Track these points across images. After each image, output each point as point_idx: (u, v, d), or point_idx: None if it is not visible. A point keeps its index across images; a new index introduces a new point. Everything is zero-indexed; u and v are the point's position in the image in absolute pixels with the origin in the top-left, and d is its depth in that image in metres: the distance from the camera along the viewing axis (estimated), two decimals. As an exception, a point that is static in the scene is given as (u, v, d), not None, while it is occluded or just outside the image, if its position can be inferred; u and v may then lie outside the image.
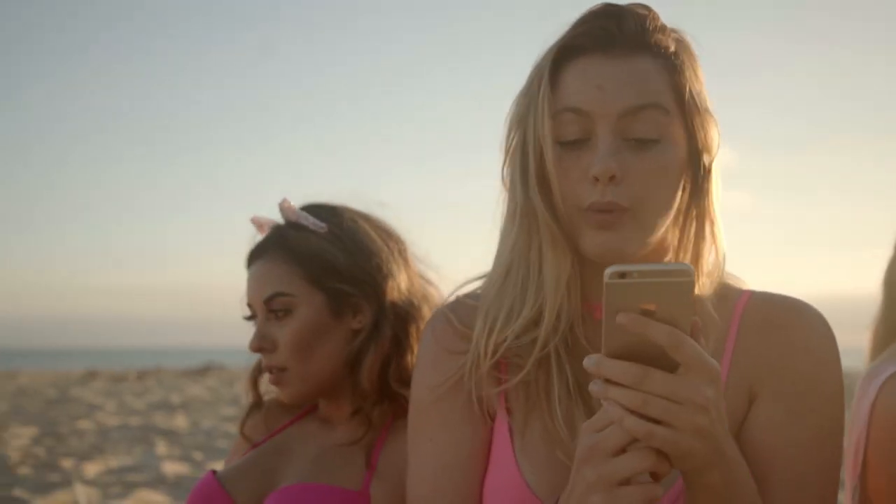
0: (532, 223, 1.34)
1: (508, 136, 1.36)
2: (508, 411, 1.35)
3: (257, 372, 1.83)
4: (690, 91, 1.31)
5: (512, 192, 1.35)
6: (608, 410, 1.07)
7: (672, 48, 1.32)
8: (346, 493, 1.62)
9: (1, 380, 28.68)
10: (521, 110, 1.33)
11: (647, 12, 1.34)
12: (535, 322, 1.33)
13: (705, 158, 1.32)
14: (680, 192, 1.32)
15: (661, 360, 1.04)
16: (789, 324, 1.34)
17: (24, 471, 9.03)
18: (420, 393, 1.43)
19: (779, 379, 1.32)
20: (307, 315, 1.69)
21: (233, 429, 12.70)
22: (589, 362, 1.08)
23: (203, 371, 32.77)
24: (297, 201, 1.81)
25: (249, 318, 1.76)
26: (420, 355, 1.46)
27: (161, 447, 10.79)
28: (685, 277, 1.02)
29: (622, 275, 1.02)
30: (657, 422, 1.05)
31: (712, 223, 1.35)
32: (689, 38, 1.37)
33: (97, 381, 27.66)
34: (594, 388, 1.08)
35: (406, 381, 1.69)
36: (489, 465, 1.36)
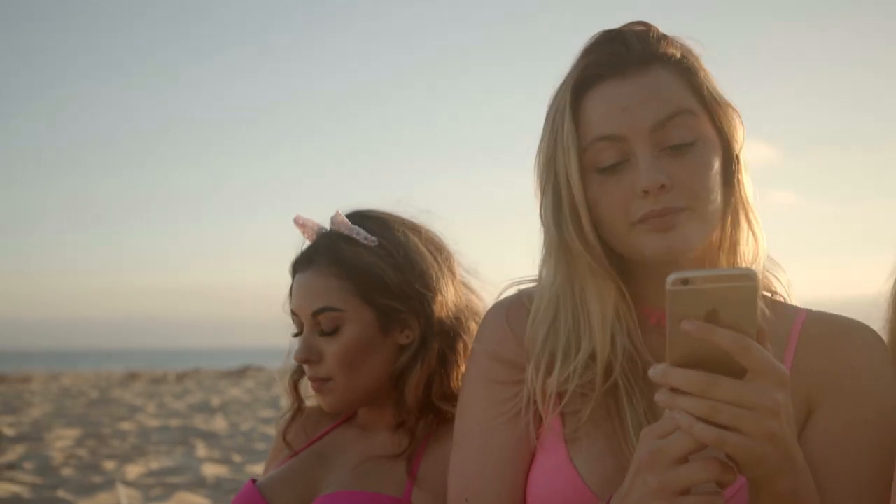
0: (570, 259, 1.38)
1: (540, 178, 1.40)
2: (562, 418, 1.38)
3: (298, 376, 1.83)
4: (707, 88, 1.36)
5: (547, 229, 1.40)
6: (675, 418, 1.07)
7: (678, 54, 1.38)
8: (389, 500, 1.63)
9: (45, 381, 29.04)
10: (549, 152, 1.37)
11: (645, 28, 1.40)
12: (593, 357, 1.36)
13: (735, 147, 1.38)
14: (720, 184, 1.36)
15: (729, 366, 1.04)
16: (847, 343, 1.39)
17: (68, 472, 9.18)
18: (469, 393, 1.46)
19: (837, 394, 1.36)
20: (356, 331, 1.70)
21: (271, 431, 12.79)
22: (654, 372, 1.08)
23: (241, 372, 32.93)
24: (338, 205, 1.79)
25: (297, 335, 1.75)
26: (473, 356, 1.49)
27: (201, 449, 10.91)
28: (749, 282, 1.01)
29: (685, 281, 1.01)
30: (727, 428, 1.05)
31: (746, 211, 1.40)
32: (689, 42, 1.42)
33: (138, 383, 27.94)
34: (660, 397, 1.08)
35: (449, 397, 1.70)
36: (535, 467, 1.39)
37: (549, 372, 1.39)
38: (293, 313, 1.74)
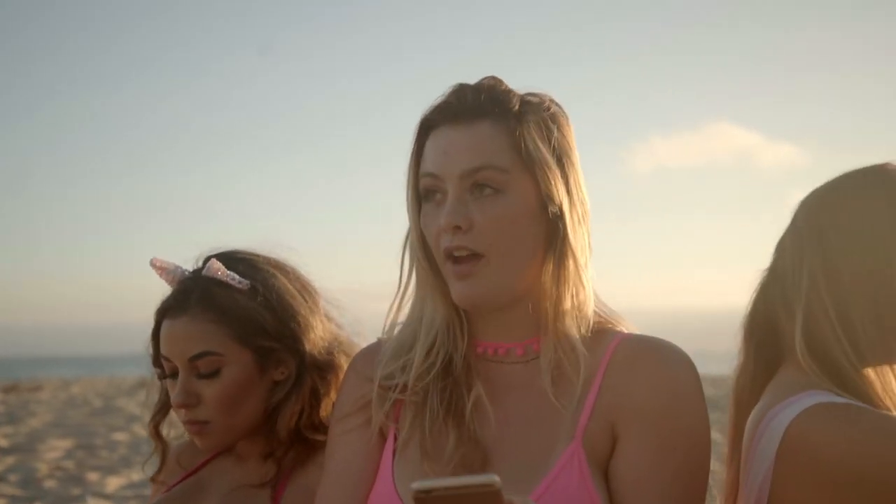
0: (419, 275, 1.57)
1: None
2: (396, 433, 1.55)
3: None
4: (528, 148, 1.48)
5: (406, 250, 1.60)
6: None
7: (515, 109, 1.50)
8: None
9: (55, 389, 29.10)
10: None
11: (492, 82, 1.55)
12: (421, 358, 1.54)
13: (550, 207, 1.49)
14: (536, 237, 1.50)
15: None
16: (653, 365, 1.48)
17: (50, 484, 9.24)
18: (333, 415, 1.66)
19: (643, 418, 1.45)
20: (235, 373, 1.76)
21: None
22: None
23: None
24: (205, 243, 1.87)
25: (166, 376, 1.79)
26: (340, 385, 1.70)
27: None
28: (489, 488, 1.09)
29: (427, 491, 1.10)
30: None
31: (575, 264, 1.51)
32: (548, 99, 1.55)
33: (144, 391, 27.90)
34: None
35: (317, 427, 1.79)
36: (375, 479, 1.55)
37: (384, 367, 1.58)
38: (164, 358, 1.78)
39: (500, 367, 1.55)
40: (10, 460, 10.95)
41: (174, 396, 1.76)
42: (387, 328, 1.62)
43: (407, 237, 1.58)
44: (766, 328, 1.55)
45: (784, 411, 1.44)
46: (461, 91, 1.52)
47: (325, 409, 1.82)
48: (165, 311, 1.81)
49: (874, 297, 1.46)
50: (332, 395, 1.81)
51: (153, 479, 1.95)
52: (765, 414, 1.48)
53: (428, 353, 1.53)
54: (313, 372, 1.81)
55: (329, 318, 1.91)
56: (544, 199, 1.49)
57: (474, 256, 1.47)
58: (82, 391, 28.10)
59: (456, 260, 1.48)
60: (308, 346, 1.81)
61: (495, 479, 1.09)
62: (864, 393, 1.44)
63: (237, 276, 1.80)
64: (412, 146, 1.55)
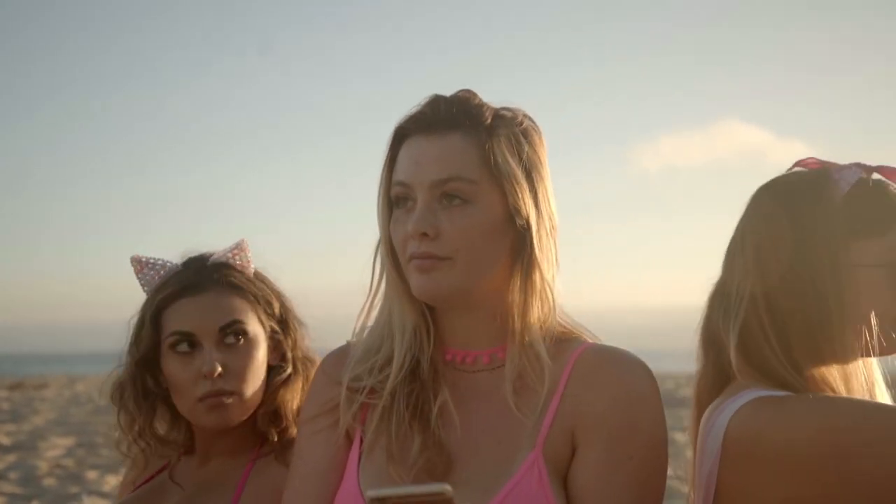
0: (388, 280, 1.59)
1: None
2: (363, 435, 1.58)
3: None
4: (497, 161, 1.51)
5: (377, 255, 1.62)
6: None
7: (487, 122, 1.53)
8: None
9: (60, 387, 29.18)
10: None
11: (466, 95, 1.58)
12: (388, 362, 1.56)
13: (518, 220, 1.52)
14: (502, 247, 1.53)
15: None
16: (613, 375, 1.51)
17: (50, 482, 9.28)
18: (302, 416, 1.68)
19: (601, 426, 1.48)
20: (257, 346, 1.82)
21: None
22: None
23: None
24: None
25: (186, 347, 1.78)
26: (309, 386, 1.72)
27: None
28: (441, 496, 1.12)
29: (382, 499, 1.12)
30: None
31: (541, 276, 1.54)
32: (521, 114, 1.57)
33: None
34: None
35: (275, 420, 1.84)
36: (342, 480, 1.57)
37: (352, 369, 1.59)
38: (180, 333, 1.80)
39: (466, 374, 1.58)
40: (10, 458, 10.99)
41: (206, 364, 1.77)
42: (356, 331, 1.64)
43: (378, 243, 1.60)
44: (716, 338, 1.57)
45: (728, 406, 1.48)
46: (435, 102, 1.55)
47: (290, 409, 1.86)
48: (182, 291, 1.83)
49: (807, 313, 1.48)
50: (296, 397, 1.86)
51: (126, 478, 1.98)
52: (713, 412, 1.51)
53: (395, 356, 1.55)
54: (299, 366, 1.87)
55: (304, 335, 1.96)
56: (512, 212, 1.52)
57: (436, 257, 1.50)
58: (87, 389, 28.15)
59: (420, 257, 1.50)
60: (297, 339, 1.89)
61: (447, 487, 1.11)
62: (812, 390, 1.48)
63: (250, 259, 1.89)
64: (385, 154, 1.57)
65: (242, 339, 1.81)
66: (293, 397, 1.85)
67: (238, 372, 1.80)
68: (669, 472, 1.53)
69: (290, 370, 1.85)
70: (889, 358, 1.55)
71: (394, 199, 1.55)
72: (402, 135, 1.56)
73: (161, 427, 1.90)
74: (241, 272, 1.88)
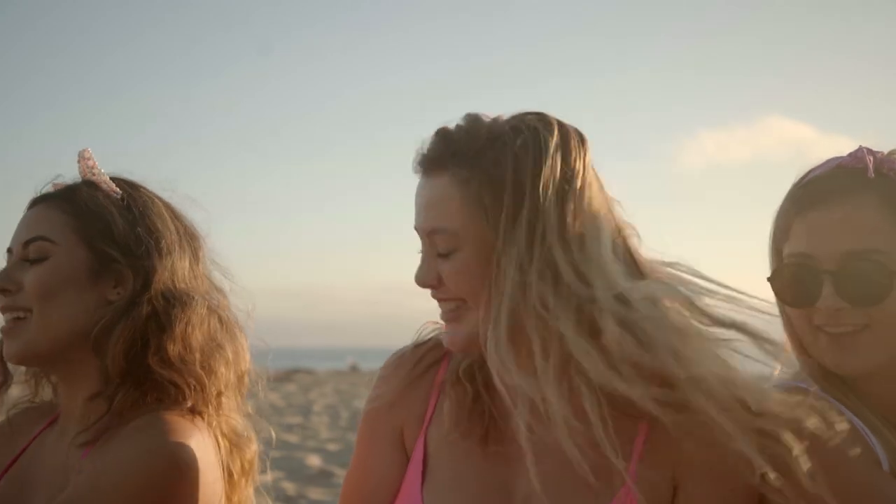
0: None
1: None
2: (426, 452, 1.54)
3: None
4: (484, 202, 1.43)
5: None
6: None
7: (477, 154, 1.44)
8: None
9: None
10: None
11: (463, 125, 1.49)
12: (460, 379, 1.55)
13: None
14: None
15: None
16: None
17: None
18: (367, 410, 1.65)
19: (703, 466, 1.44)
20: (61, 264, 1.66)
21: (291, 438, 12.78)
22: None
23: (287, 375, 32.62)
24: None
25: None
26: (379, 380, 1.66)
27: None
28: None
29: None
30: None
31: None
32: (527, 125, 1.46)
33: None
34: None
35: (167, 362, 1.64)
36: (399, 493, 1.54)
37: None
38: (8, 251, 1.72)
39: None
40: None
41: None
42: (428, 331, 1.64)
43: None
44: None
45: None
46: (434, 139, 1.50)
47: (173, 348, 1.66)
48: (29, 205, 1.75)
49: None
50: (189, 332, 1.68)
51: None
52: None
53: (464, 372, 1.55)
54: (159, 300, 1.68)
55: (215, 287, 1.80)
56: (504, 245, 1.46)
57: (455, 302, 1.48)
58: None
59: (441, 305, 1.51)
60: (162, 275, 1.69)
61: None
62: None
63: (110, 183, 1.74)
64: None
65: (43, 255, 1.67)
66: (151, 340, 1.66)
67: (30, 288, 1.66)
68: None
69: (119, 309, 1.67)
70: None
71: None
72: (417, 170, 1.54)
73: None
74: (96, 188, 1.73)
